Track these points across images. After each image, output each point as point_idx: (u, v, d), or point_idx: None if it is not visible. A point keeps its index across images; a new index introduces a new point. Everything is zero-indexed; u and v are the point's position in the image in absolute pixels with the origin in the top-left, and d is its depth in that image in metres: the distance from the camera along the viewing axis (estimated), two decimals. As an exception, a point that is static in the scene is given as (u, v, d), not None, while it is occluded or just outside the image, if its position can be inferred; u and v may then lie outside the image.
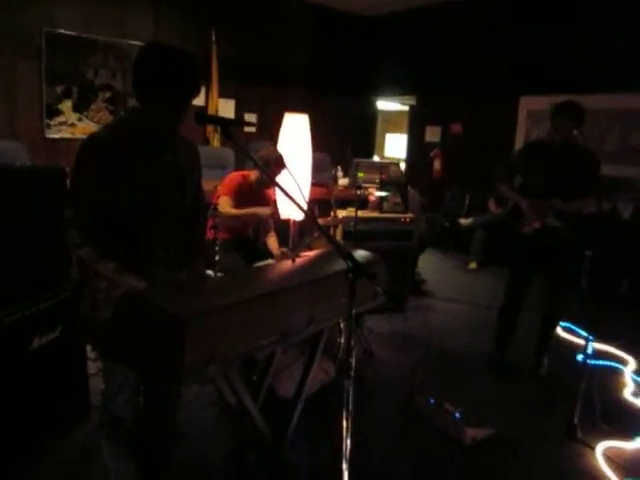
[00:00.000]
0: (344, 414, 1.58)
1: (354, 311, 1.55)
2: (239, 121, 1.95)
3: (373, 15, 8.27)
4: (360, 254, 2.17)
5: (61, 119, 5.90)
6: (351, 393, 1.58)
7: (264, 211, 3.58)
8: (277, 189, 3.81)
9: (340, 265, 1.62)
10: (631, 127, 5.79)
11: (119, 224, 1.75)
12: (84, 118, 6.05)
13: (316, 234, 2.64)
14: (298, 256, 2.17)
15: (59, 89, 5.83)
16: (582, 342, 2.97)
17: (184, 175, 1.91)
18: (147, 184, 1.76)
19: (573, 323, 4.32)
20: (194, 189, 2.01)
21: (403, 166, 8.72)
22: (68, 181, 2.23)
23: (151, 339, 1.42)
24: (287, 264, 2.11)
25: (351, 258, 1.51)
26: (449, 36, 7.45)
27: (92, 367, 2.79)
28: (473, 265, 6.42)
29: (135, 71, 1.73)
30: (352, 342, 1.58)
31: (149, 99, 1.74)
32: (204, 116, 1.73)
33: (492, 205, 6.62)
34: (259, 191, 3.65)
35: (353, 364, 1.58)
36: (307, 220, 3.85)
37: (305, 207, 1.71)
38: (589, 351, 2.92)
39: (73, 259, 2.02)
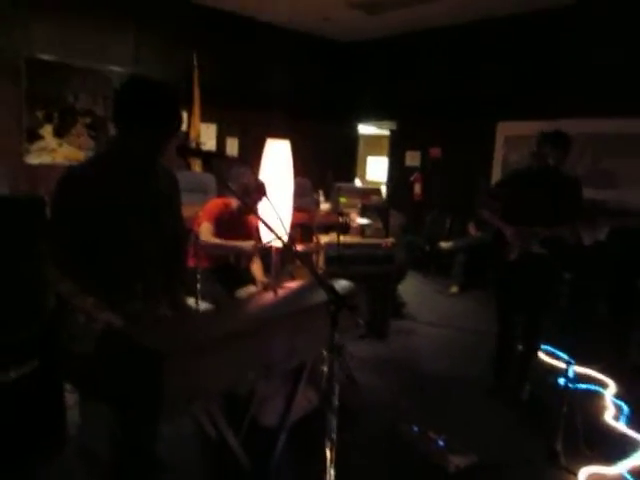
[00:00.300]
0: (327, 444, 1.57)
1: (336, 342, 1.55)
2: (220, 154, 1.97)
3: (353, 41, 8.43)
4: (341, 284, 2.18)
5: (41, 144, 5.86)
6: (334, 424, 1.58)
7: (247, 245, 3.56)
8: (259, 216, 3.83)
9: (321, 296, 1.63)
10: (602, 151, 5.96)
11: (97, 257, 1.73)
12: (64, 143, 6.02)
13: (298, 262, 2.64)
14: (280, 287, 2.17)
15: (40, 114, 5.80)
16: (563, 365, 3.00)
17: (163, 206, 1.91)
18: (125, 216, 1.75)
19: (554, 346, 4.36)
20: (173, 220, 2.01)
21: (384, 189, 8.82)
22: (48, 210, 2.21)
23: (130, 375, 1.40)
24: (269, 296, 2.11)
25: (332, 290, 1.52)
26: (428, 62, 7.62)
27: (70, 399, 2.74)
28: (454, 289, 6.46)
29: (115, 104, 1.74)
30: (334, 374, 1.58)
31: (129, 132, 1.74)
32: (185, 149, 1.74)
33: (472, 228, 6.70)
34: (241, 218, 3.64)
35: (336, 395, 1.58)
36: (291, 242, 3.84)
37: (286, 236, 1.72)
38: (570, 374, 2.95)
39: (51, 292, 2.00)
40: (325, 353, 2.91)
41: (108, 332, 1.58)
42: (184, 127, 6.66)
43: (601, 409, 3.52)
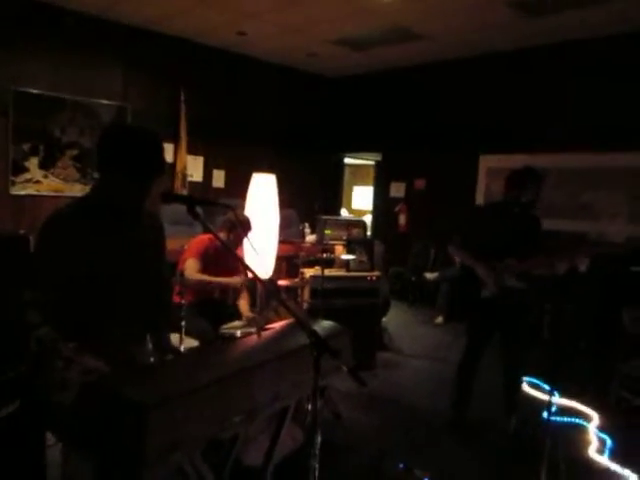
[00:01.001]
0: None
1: (320, 384, 1.57)
2: (206, 201, 2.00)
3: (338, 76, 8.61)
4: (325, 326, 2.20)
5: (27, 176, 5.87)
6: (317, 464, 1.58)
7: (235, 281, 3.58)
8: (244, 252, 3.86)
9: (305, 339, 1.65)
10: (581, 184, 6.10)
11: (78, 302, 1.74)
12: (50, 175, 6.04)
13: (284, 296, 2.66)
14: (264, 327, 2.19)
15: (26, 146, 5.83)
16: (546, 397, 3.01)
17: (147, 252, 1.93)
18: (107, 262, 1.77)
19: (536, 377, 4.39)
20: (157, 264, 2.02)
21: (370, 218, 8.90)
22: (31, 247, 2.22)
23: (112, 426, 1.39)
24: (252, 339, 2.12)
25: (314, 334, 1.54)
26: (412, 96, 7.79)
27: (50, 438, 2.69)
28: (439, 319, 6.49)
29: (99, 152, 1.77)
30: (317, 417, 1.59)
31: (113, 178, 1.77)
32: (170, 196, 1.77)
33: (457, 258, 6.75)
34: (227, 254, 3.66)
35: (319, 436, 1.59)
36: (273, 283, 3.87)
37: (269, 274, 1.75)
38: (553, 408, 2.96)
39: (32, 336, 1.99)
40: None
41: (88, 382, 1.58)
42: (170, 159, 6.71)
43: (585, 443, 3.52)
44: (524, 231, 3.38)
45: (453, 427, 3.61)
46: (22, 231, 5.00)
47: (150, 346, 1.94)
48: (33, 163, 5.91)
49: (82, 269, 1.72)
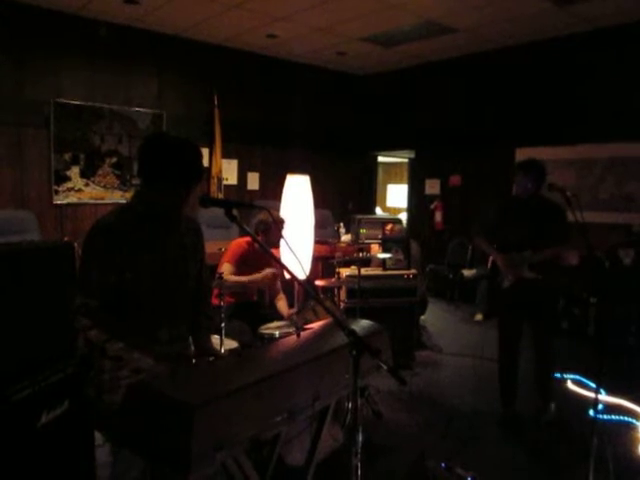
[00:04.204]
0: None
1: (359, 384, 1.57)
2: (242, 203, 2.05)
3: (368, 74, 8.57)
4: (363, 325, 2.20)
5: (69, 185, 6.05)
6: (359, 462, 1.58)
7: (266, 272, 3.61)
8: (281, 252, 3.90)
9: (343, 339, 1.65)
10: (624, 175, 5.90)
11: (125, 306, 1.80)
12: (91, 183, 6.21)
13: (321, 296, 2.67)
14: (303, 329, 2.20)
15: (67, 156, 6.01)
16: (592, 395, 2.94)
17: (188, 256, 1.98)
18: (152, 267, 1.82)
19: (582, 375, 4.28)
20: (197, 268, 2.07)
21: (405, 216, 8.84)
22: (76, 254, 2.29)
23: (159, 427, 1.43)
24: (291, 340, 2.14)
25: (353, 333, 1.54)
26: (445, 92, 7.69)
27: (98, 438, 2.77)
28: (479, 316, 6.40)
29: (141, 160, 1.82)
30: (358, 416, 1.59)
31: (155, 185, 1.82)
32: (208, 200, 1.81)
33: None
34: (265, 255, 3.70)
35: (360, 434, 1.59)
36: (311, 283, 3.90)
37: (306, 274, 1.76)
38: (600, 406, 2.89)
39: (81, 338, 2.07)
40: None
41: (135, 383, 1.63)
42: (206, 164, 6.82)
43: (634, 441, 3.42)
44: (542, 223, 3.42)
45: (503, 424, 3.60)
46: (66, 238, 5.19)
47: (192, 347, 1.98)
48: (74, 172, 6.09)
49: (128, 275, 1.78)
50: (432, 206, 7.83)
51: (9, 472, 2.18)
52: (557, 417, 3.59)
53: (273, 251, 3.79)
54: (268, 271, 3.62)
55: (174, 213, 1.91)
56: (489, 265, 3.69)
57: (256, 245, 3.67)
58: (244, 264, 3.55)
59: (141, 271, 1.81)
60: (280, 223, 3.57)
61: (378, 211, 9.92)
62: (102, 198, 6.27)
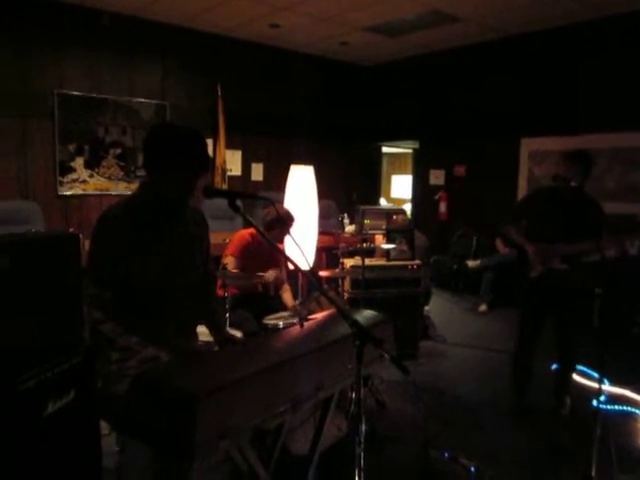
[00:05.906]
0: (356, 472, 1.58)
1: (362, 374, 1.58)
2: (246, 194, 2.05)
3: (372, 64, 8.53)
4: (366, 315, 2.20)
5: (73, 176, 6.07)
6: (362, 452, 1.59)
7: (268, 275, 3.62)
8: (285, 245, 3.90)
9: (347, 329, 1.65)
10: (630, 165, 5.87)
11: (134, 297, 1.81)
12: (95, 174, 6.22)
13: (325, 286, 2.68)
14: (306, 320, 2.21)
15: (71, 147, 6.02)
16: (595, 385, 2.94)
17: (194, 246, 1.99)
18: (159, 258, 1.83)
19: (586, 365, 4.27)
20: (203, 259, 2.08)
21: (409, 207, 8.82)
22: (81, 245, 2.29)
23: (163, 416, 1.45)
24: (295, 330, 2.15)
25: (356, 324, 1.54)
26: (449, 81, 7.65)
27: (104, 428, 2.80)
28: (483, 307, 6.40)
29: (146, 151, 1.82)
30: (362, 406, 1.60)
31: (160, 176, 1.82)
32: (212, 190, 1.80)
33: (500, 245, 6.64)
34: (268, 247, 3.71)
35: (363, 424, 1.60)
36: (314, 274, 3.90)
37: (310, 265, 1.76)
38: (603, 396, 2.89)
39: (86, 328, 2.09)
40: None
41: (140, 372, 1.64)
42: (210, 154, 6.81)
43: (637, 431, 3.43)
44: (577, 216, 3.35)
45: (518, 413, 3.61)
46: (71, 230, 5.20)
47: (213, 334, 1.99)
48: (79, 163, 6.10)
49: (136, 266, 1.80)
50: (436, 197, 7.81)
51: (15, 461, 2.21)
52: (570, 413, 3.59)
53: (278, 243, 3.80)
54: (271, 273, 3.62)
55: (180, 203, 1.91)
56: (516, 255, 3.65)
57: (259, 236, 3.67)
58: (248, 257, 3.56)
59: (148, 262, 1.82)
60: (288, 218, 3.57)
61: (382, 202, 9.90)
62: (107, 189, 6.29)
